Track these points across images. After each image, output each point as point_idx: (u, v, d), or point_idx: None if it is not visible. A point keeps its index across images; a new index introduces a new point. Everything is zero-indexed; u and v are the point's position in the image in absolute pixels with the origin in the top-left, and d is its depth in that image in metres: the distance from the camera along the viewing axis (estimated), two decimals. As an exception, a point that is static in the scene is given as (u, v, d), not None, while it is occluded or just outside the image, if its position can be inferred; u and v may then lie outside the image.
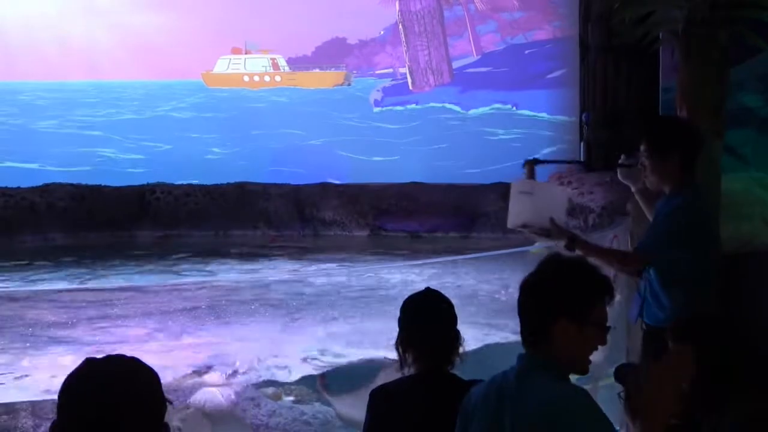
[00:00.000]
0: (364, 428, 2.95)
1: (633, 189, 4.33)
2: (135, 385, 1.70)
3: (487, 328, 6.36)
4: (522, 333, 2.34)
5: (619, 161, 4.33)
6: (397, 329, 2.99)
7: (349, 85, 13.72)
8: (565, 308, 2.26)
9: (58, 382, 1.79)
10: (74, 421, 1.67)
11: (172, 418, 5.00)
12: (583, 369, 2.33)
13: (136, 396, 1.69)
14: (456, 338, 2.95)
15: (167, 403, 1.75)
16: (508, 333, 6.13)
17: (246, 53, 14.01)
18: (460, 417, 2.43)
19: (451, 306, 3.00)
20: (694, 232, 3.89)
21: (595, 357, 2.38)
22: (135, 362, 1.75)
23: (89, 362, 1.73)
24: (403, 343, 2.95)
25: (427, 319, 2.93)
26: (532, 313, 2.31)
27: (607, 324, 2.33)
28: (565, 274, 2.31)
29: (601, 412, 2.24)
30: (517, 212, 4.11)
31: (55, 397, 1.76)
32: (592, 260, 3.50)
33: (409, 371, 2.94)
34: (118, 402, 1.66)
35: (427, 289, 3.06)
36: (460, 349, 2.96)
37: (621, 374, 2.63)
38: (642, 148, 4.02)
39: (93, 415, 1.65)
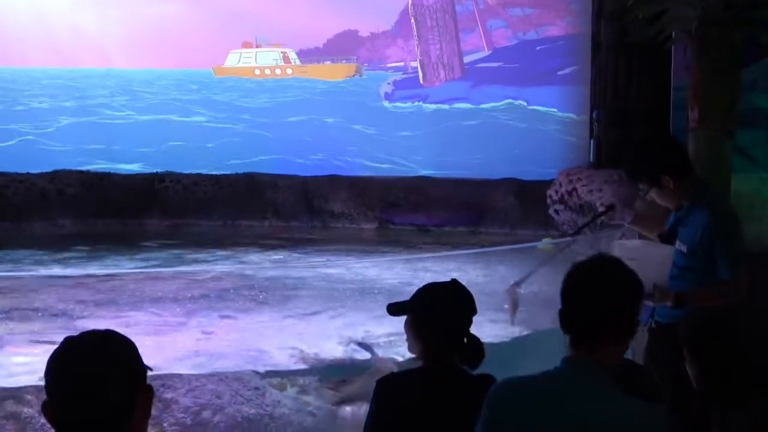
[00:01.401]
0: (367, 417, 2.87)
1: (625, 224, 4.53)
2: (111, 354, 1.81)
3: (491, 324, 6.35)
4: (571, 335, 2.31)
5: (599, 213, 4.60)
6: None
7: (360, 77, 13.72)
8: (618, 313, 2.28)
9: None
10: (60, 395, 1.78)
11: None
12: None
13: (114, 364, 1.80)
14: (465, 335, 2.84)
15: (147, 369, 1.85)
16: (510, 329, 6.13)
17: (257, 47, 14.01)
18: (489, 411, 2.30)
19: (468, 302, 2.87)
20: (740, 234, 3.95)
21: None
22: (109, 334, 1.86)
23: (67, 340, 1.83)
24: (410, 330, 2.88)
25: (437, 311, 2.84)
26: (585, 316, 2.28)
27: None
28: (615, 278, 2.33)
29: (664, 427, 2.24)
30: None
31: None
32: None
33: (419, 362, 2.87)
34: (96, 371, 1.77)
35: (452, 280, 2.93)
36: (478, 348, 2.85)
37: None
38: (641, 186, 4.13)
39: (75, 387, 1.76)
